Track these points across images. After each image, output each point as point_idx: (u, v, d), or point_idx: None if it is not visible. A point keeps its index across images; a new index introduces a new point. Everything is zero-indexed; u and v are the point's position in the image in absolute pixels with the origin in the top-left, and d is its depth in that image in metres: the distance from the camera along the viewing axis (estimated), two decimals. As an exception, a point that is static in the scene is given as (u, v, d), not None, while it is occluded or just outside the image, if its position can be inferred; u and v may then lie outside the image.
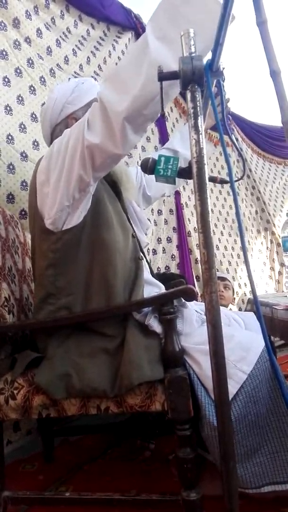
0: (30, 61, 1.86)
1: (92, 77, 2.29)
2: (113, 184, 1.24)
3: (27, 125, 1.78)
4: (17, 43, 1.80)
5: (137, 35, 2.75)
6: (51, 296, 1.10)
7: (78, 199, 1.05)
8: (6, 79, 1.74)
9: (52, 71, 1.97)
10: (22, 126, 1.76)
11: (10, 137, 1.69)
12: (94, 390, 0.98)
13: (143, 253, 1.32)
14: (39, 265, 1.14)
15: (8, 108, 1.72)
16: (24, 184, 1.70)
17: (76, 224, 1.08)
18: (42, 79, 1.90)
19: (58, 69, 2.00)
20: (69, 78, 2.05)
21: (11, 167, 1.67)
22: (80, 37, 2.28)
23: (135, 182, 1.33)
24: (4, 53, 1.75)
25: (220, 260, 3.21)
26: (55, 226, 1.08)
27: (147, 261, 1.33)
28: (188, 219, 2.85)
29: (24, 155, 1.73)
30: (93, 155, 0.98)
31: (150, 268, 1.35)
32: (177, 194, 2.83)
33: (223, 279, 2.53)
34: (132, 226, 1.26)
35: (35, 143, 1.79)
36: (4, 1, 1.77)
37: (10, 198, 1.65)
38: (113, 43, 2.54)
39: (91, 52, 2.35)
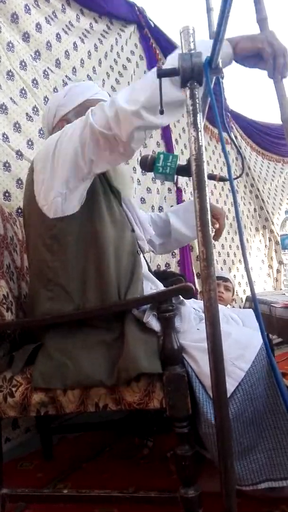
0: (23, 63, 1.84)
1: (91, 72, 2.28)
2: (110, 184, 1.23)
3: (21, 124, 1.77)
4: (10, 44, 1.79)
5: (140, 29, 2.74)
6: (49, 283, 1.10)
7: (73, 188, 1.06)
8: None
9: (46, 73, 1.95)
10: (17, 125, 1.75)
11: (5, 136, 1.68)
12: (91, 380, 0.98)
13: (143, 252, 1.32)
14: (37, 250, 1.13)
15: (3, 107, 1.71)
16: (19, 182, 1.69)
17: (72, 213, 1.08)
18: (35, 81, 1.88)
19: (51, 72, 1.98)
20: (63, 80, 2.04)
21: (7, 165, 1.67)
22: (84, 30, 2.27)
23: (130, 180, 1.34)
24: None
25: (216, 260, 3.21)
26: (50, 212, 1.08)
27: (145, 259, 1.33)
28: (192, 215, 2.85)
29: (19, 153, 1.72)
30: (96, 138, 0.98)
31: (148, 266, 1.35)
32: (179, 191, 2.83)
33: (225, 279, 2.46)
34: (131, 225, 1.26)
35: (30, 143, 1.78)
36: (2, -4, 1.76)
37: (7, 195, 1.65)
38: (117, 36, 2.53)
39: (94, 45, 2.34)
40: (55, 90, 1.98)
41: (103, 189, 1.18)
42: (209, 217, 0.71)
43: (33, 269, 1.19)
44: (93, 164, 1.03)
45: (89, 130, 0.98)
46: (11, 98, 1.75)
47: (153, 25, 2.79)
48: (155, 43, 2.85)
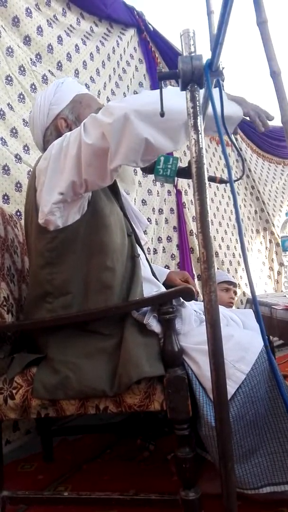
0: (22, 68, 1.84)
1: (94, 74, 2.29)
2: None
3: (19, 129, 1.77)
4: (9, 49, 1.79)
5: (140, 33, 2.76)
6: (49, 295, 1.10)
7: (71, 202, 1.05)
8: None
9: (45, 77, 1.95)
10: (14, 131, 1.75)
11: (3, 140, 1.69)
12: (93, 390, 0.98)
13: (143, 251, 1.31)
14: (36, 263, 1.13)
15: (1, 113, 1.71)
16: (18, 185, 1.70)
17: (71, 223, 1.08)
18: (33, 86, 1.89)
19: (51, 75, 1.98)
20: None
21: (6, 168, 1.67)
22: (85, 32, 2.29)
23: (133, 175, 1.34)
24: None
25: (222, 260, 3.21)
26: (49, 225, 1.07)
27: (147, 259, 1.33)
28: (193, 217, 2.85)
29: (18, 157, 1.73)
30: (91, 157, 0.96)
31: (150, 266, 1.35)
32: (179, 193, 2.84)
33: (234, 285, 2.43)
34: (130, 224, 1.26)
35: (26, 148, 1.79)
36: (3, 0, 1.77)
37: (6, 199, 1.65)
38: (117, 39, 2.54)
39: (96, 47, 2.34)
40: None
41: (105, 194, 1.18)
42: (209, 219, 0.71)
43: (32, 281, 1.18)
44: (88, 183, 1.01)
45: (83, 149, 0.95)
46: (8, 104, 1.75)
47: (152, 29, 2.80)
48: (154, 47, 2.86)
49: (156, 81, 2.80)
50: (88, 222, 1.09)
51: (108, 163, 0.95)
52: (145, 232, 1.43)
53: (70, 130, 1.16)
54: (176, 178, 1.07)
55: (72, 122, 1.21)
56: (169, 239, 2.73)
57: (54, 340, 1.07)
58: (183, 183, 2.89)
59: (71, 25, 2.18)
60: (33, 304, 1.13)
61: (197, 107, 0.71)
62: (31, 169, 1.74)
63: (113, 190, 1.25)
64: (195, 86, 0.71)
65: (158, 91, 0.92)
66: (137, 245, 1.24)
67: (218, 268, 3.13)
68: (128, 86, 2.61)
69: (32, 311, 1.14)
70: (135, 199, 2.45)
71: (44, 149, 1.24)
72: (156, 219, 2.66)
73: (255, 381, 0.95)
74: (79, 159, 0.97)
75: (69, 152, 0.99)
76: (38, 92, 1.89)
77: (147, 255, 1.36)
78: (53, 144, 1.06)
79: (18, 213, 1.66)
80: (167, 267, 2.65)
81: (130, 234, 1.22)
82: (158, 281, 1.31)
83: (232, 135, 1.05)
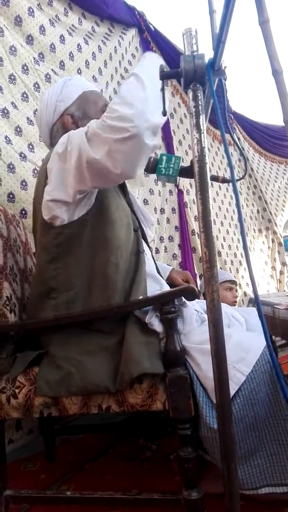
0: (25, 67, 1.84)
1: (97, 73, 2.30)
2: None
3: (23, 128, 1.77)
4: (13, 48, 1.79)
5: (141, 32, 2.76)
6: (53, 291, 1.10)
7: (78, 199, 1.06)
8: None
9: (48, 76, 1.95)
10: (18, 129, 1.75)
11: (8, 139, 1.69)
12: (96, 387, 0.98)
13: (149, 247, 1.31)
14: (42, 259, 1.14)
15: (5, 111, 1.71)
16: (24, 183, 1.70)
17: (77, 219, 1.08)
18: (36, 85, 1.88)
19: (54, 74, 1.98)
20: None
21: (11, 166, 1.67)
22: (87, 32, 2.29)
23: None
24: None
25: (225, 260, 3.21)
26: (55, 221, 1.08)
27: (152, 255, 1.33)
28: (195, 216, 2.85)
29: (23, 155, 1.73)
30: (95, 170, 0.98)
31: (156, 264, 1.34)
32: (180, 193, 2.84)
33: (236, 283, 2.43)
34: (137, 219, 1.27)
35: (30, 146, 1.79)
36: None
37: (11, 197, 1.65)
38: (119, 39, 2.54)
39: (98, 46, 2.35)
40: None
41: (113, 188, 1.18)
42: (211, 218, 0.71)
43: (36, 277, 1.19)
44: (96, 186, 1.04)
45: (90, 163, 0.97)
46: (12, 103, 1.75)
47: (153, 29, 2.81)
48: (155, 47, 2.86)
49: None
50: (93, 217, 1.10)
51: (118, 178, 1.00)
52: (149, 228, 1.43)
53: (77, 126, 1.17)
54: (178, 178, 1.07)
55: (79, 118, 1.22)
56: (170, 238, 2.73)
57: (56, 338, 1.07)
58: (185, 183, 2.88)
59: (73, 25, 2.18)
60: (37, 301, 1.14)
61: (199, 106, 0.71)
62: (36, 168, 1.75)
63: (120, 185, 1.25)
64: (197, 85, 0.71)
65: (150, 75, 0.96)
66: (143, 241, 1.24)
67: (220, 268, 3.13)
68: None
69: (36, 309, 1.14)
70: (137, 198, 2.45)
71: (51, 145, 1.25)
72: (158, 219, 2.66)
73: (255, 383, 0.94)
74: (83, 171, 0.99)
75: (72, 160, 1.00)
76: (42, 90, 1.89)
77: (152, 251, 1.36)
78: (58, 143, 1.07)
79: (23, 212, 1.66)
80: (169, 266, 2.65)
81: (136, 229, 1.22)
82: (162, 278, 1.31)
83: (234, 135, 1.06)
